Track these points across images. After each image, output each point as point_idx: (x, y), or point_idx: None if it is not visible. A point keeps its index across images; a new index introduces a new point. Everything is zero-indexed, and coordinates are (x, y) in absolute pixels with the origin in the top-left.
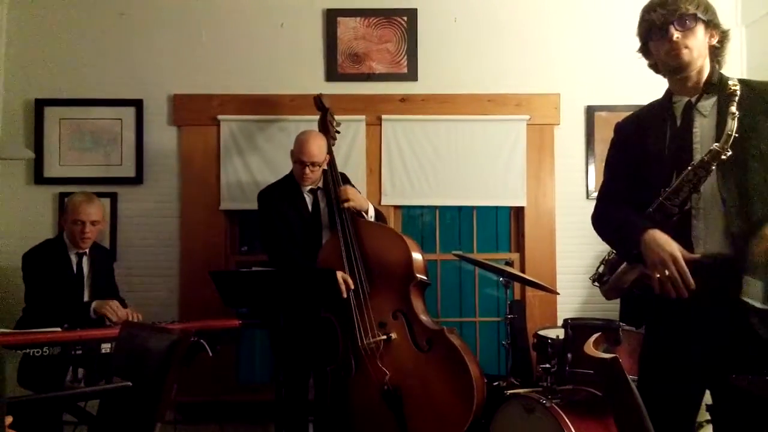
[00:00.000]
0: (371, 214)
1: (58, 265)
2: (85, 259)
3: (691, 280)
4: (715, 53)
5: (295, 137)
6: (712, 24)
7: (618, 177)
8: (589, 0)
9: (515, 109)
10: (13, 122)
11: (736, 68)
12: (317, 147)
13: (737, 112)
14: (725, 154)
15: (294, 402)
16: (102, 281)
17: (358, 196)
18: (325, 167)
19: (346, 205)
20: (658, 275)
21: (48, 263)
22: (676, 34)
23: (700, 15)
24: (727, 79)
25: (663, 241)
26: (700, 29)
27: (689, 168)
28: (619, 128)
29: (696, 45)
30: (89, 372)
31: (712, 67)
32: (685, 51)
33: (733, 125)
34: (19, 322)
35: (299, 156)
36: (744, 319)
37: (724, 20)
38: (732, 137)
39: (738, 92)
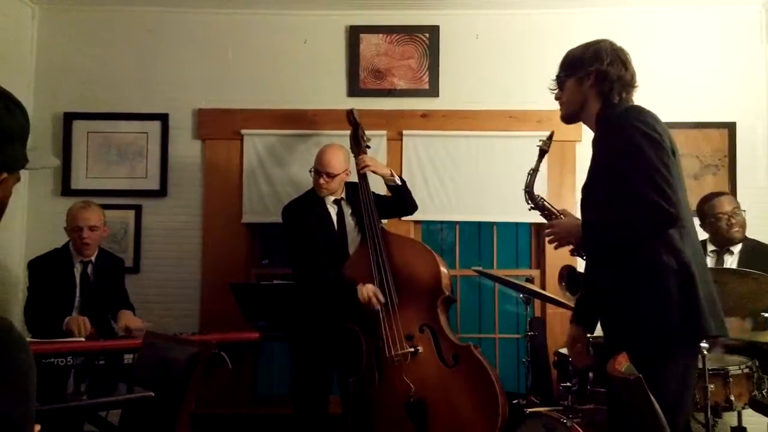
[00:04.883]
0: (397, 178)
1: (59, 274)
2: (90, 268)
3: None
4: (600, 90)
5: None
6: (578, 73)
7: None
8: (611, 17)
9: (537, 126)
10: (42, 135)
11: (759, 85)
12: (334, 158)
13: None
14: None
15: (313, 416)
16: (108, 290)
17: (376, 161)
18: (350, 180)
19: (364, 169)
20: None
21: (50, 272)
22: (555, 95)
23: (562, 74)
24: (613, 113)
25: None
26: (569, 83)
27: None
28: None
29: (568, 97)
30: (92, 383)
31: (599, 105)
32: (561, 107)
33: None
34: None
35: (316, 165)
36: None
37: (746, 38)
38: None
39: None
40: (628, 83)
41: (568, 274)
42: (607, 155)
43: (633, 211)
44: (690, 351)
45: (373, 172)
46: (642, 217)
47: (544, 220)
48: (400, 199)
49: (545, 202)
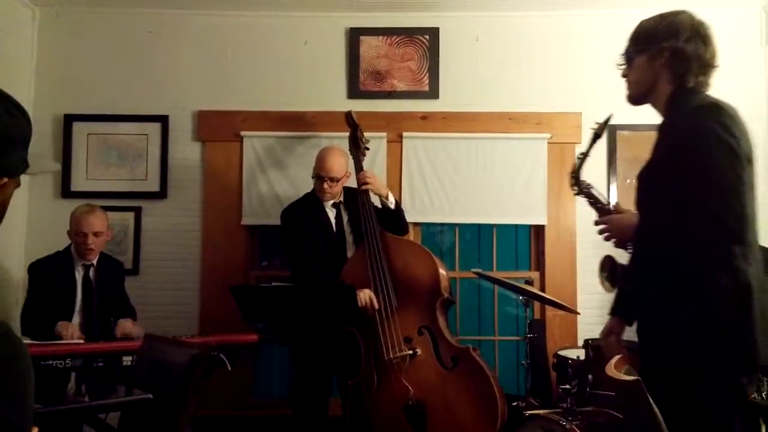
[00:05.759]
0: (391, 201)
1: (60, 277)
2: (92, 271)
3: None
4: (675, 71)
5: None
6: (650, 49)
7: None
8: (611, 18)
9: (536, 128)
10: (42, 137)
11: (758, 87)
12: (336, 163)
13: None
14: None
15: (312, 418)
16: (109, 293)
17: (377, 180)
18: (347, 183)
19: (365, 187)
20: None
21: (51, 275)
22: (622, 72)
23: (631, 48)
24: (687, 103)
25: None
26: (638, 60)
27: None
28: None
29: (637, 76)
30: (91, 385)
31: (672, 87)
32: (628, 86)
33: None
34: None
35: (318, 171)
36: None
37: (746, 40)
38: None
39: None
40: (707, 64)
41: (610, 264)
42: (672, 151)
43: (691, 224)
44: (738, 381)
45: (373, 192)
46: (700, 233)
47: (543, 223)
48: (392, 221)
49: (592, 190)
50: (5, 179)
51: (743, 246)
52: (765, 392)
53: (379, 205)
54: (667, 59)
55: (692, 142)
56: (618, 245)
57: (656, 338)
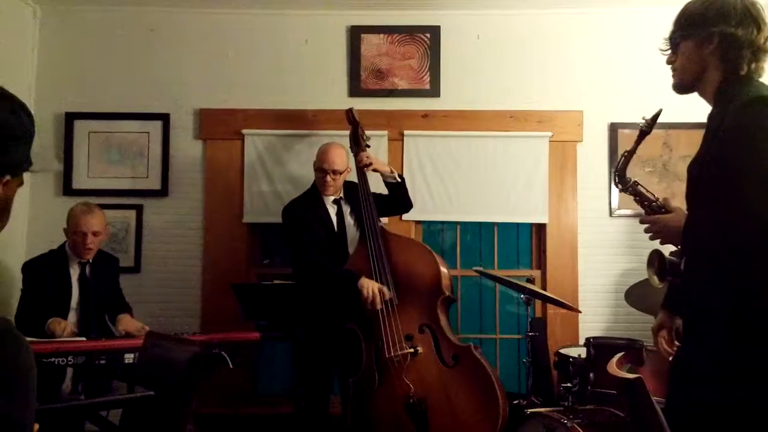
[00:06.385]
0: (396, 174)
1: (55, 276)
2: (88, 268)
3: None
4: (725, 58)
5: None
6: (698, 33)
7: None
8: (612, 17)
9: (538, 126)
10: (43, 135)
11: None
12: (338, 156)
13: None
14: None
15: (314, 416)
16: (105, 290)
17: (377, 159)
18: (348, 179)
19: (368, 167)
20: None
21: (45, 274)
22: (667, 59)
23: (676, 33)
24: (739, 94)
25: None
26: (684, 45)
27: None
28: None
29: (683, 63)
30: (88, 383)
31: (721, 75)
32: (674, 74)
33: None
34: None
35: (321, 164)
36: None
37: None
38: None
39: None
40: (760, 48)
41: (658, 258)
42: (722, 145)
43: (736, 221)
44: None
45: (374, 170)
46: (745, 230)
47: (544, 221)
48: (398, 197)
49: (640, 186)
50: (7, 177)
51: None
52: None
53: (381, 190)
54: (717, 45)
55: (741, 133)
56: (664, 243)
57: (699, 335)
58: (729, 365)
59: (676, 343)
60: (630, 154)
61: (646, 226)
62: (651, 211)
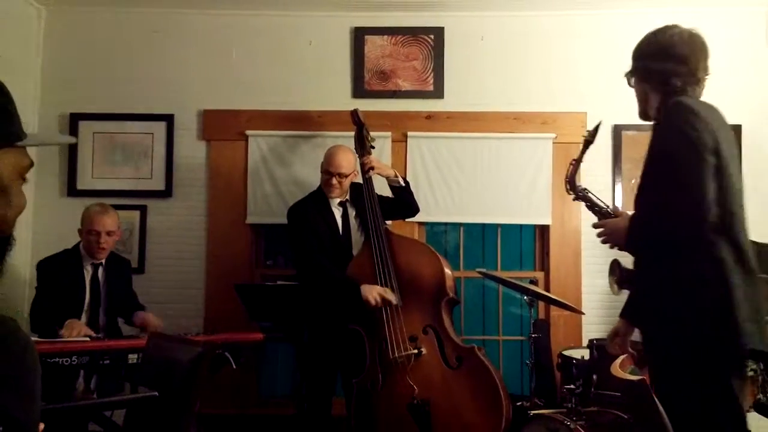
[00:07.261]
0: (400, 178)
1: (69, 275)
2: (100, 270)
3: None
4: (659, 89)
5: (323, 153)
6: (635, 69)
7: None
8: (616, 18)
9: (541, 128)
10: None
11: (764, 87)
12: (345, 159)
13: None
14: None
15: (317, 417)
16: (118, 291)
17: (381, 163)
18: (355, 180)
19: (370, 172)
20: None
21: (59, 273)
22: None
23: (628, 72)
24: (665, 108)
25: None
26: (633, 80)
27: None
28: None
29: (636, 95)
30: (101, 380)
31: (660, 101)
32: (639, 105)
33: None
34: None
35: (327, 167)
36: None
37: (751, 40)
38: None
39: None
40: (692, 77)
41: (617, 267)
42: (649, 153)
43: (661, 215)
44: (728, 369)
45: (378, 174)
46: (668, 221)
47: (547, 223)
48: (403, 200)
49: (589, 194)
50: None
51: (724, 235)
52: None
53: (387, 194)
54: (649, 79)
55: (660, 137)
56: (614, 248)
57: (653, 335)
58: (679, 363)
59: (629, 349)
60: (577, 162)
61: (598, 231)
62: (602, 216)
